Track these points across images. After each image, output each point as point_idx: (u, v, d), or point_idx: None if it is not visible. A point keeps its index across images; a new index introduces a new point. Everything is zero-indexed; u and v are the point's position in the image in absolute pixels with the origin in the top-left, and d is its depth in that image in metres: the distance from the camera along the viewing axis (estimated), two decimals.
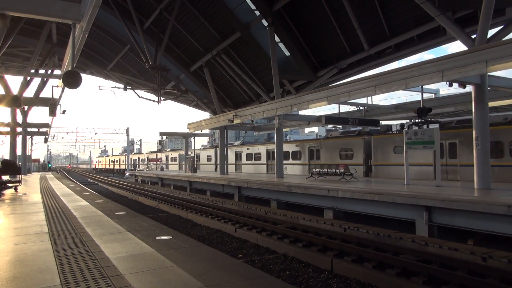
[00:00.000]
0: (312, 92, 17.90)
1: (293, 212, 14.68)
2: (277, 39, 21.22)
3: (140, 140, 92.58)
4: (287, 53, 22.49)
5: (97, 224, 7.86)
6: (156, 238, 6.30)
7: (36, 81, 32.07)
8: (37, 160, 70.33)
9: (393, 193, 11.51)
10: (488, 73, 12.28)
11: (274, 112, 20.24)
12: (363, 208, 12.72)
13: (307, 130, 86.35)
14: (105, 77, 35.41)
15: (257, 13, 20.64)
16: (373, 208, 12.32)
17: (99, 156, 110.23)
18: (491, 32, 12.65)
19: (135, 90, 27.51)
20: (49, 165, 77.01)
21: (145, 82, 32.30)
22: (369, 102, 22.24)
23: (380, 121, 21.52)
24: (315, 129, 78.09)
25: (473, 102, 12.72)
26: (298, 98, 18.46)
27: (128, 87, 27.83)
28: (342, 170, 17.99)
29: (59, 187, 19.81)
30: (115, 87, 27.67)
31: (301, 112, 24.41)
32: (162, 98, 27.29)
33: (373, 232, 10.50)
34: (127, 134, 70.90)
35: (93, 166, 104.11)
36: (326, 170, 19.10)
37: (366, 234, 10.61)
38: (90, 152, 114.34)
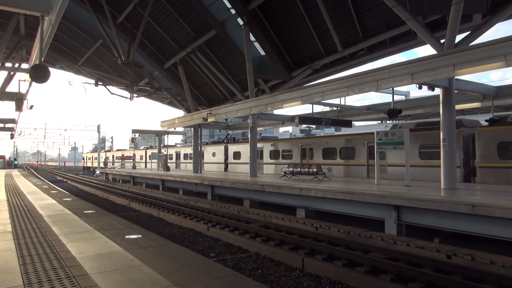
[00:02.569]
0: (286, 92, 18.01)
1: (266, 211, 14.72)
2: (252, 38, 21.22)
3: (112, 138, 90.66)
4: (262, 53, 22.53)
5: (64, 222, 7.63)
6: (126, 237, 6.18)
7: (2, 74, 30.93)
8: (3, 157, 67.77)
9: (363, 192, 11.72)
10: (455, 77, 12.70)
11: (248, 111, 20.25)
12: (335, 207, 12.89)
13: (281, 129, 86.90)
14: (76, 72, 34.46)
15: (233, 11, 20.58)
16: (344, 207, 12.51)
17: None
18: (459, 37, 13.08)
19: (107, 86, 26.94)
20: (15, 162, 74.33)
21: (118, 78, 31.65)
22: (342, 103, 22.61)
23: (353, 122, 21.86)
24: (289, 128, 78.65)
25: (441, 105, 13.13)
26: (273, 97, 18.54)
27: (99, 83, 27.23)
28: (315, 170, 18.18)
29: (25, 185, 19.13)
30: (86, 82, 27.06)
31: (276, 112, 24.55)
32: (135, 95, 26.82)
33: (344, 231, 10.67)
34: (98, 131, 69.28)
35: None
36: (299, 169, 19.26)
37: (337, 232, 10.76)
38: (59, 149, 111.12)
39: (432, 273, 6.94)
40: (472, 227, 9.14)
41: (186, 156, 38.35)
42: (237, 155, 30.20)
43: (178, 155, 40.19)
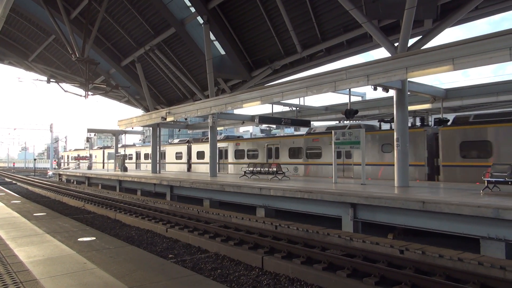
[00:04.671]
0: (246, 91, 18.03)
1: (226, 211, 14.69)
2: (212, 37, 21.08)
3: (66, 137, 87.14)
4: (223, 52, 22.44)
5: (12, 226, 7.23)
6: (78, 239, 5.96)
7: None
8: None
9: (321, 191, 11.96)
10: (408, 79, 13.24)
11: (208, 111, 20.10)
12: (294, 206, 13.06)
13: (241, 129, 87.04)
14: (27, 68, 32.79)
15: (193, 9, 20.35)
16: (303, 206, 12.70)
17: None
18: (412, 41, 13.65)
19: (60, 84, 25.78)
20: None
21: (72, 75, 30.43)
22: (302, 103, 22.92)
23: (311, 122, 22.22)
24: (249, 128, 78.91)
25: (394, 106, 13.65)
26: (233, 97, 18.51)
27: (52, 80, 26.00)
28: (275, 169, 18.34)
29: None
30: (38, 79, 25.72)
31: (236, 111, 24.53)
32: (90, 93, 25.83)
33: (302, 229, 10.84)
34: (51, 131, 66.36)
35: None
36: (259, 169, 19.36)
37: (296, 231, 10.92)
38: (8, 149, 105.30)
39: (385, 268, 7.19)
40: (423, 223, 9.56)
41: (147, 156, 37.52)
42: (200, 155, 29.97)
43: (138, 155, 39.24)
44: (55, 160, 62.93)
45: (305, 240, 9.67)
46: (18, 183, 38.16)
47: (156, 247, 10.03)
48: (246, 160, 25.67)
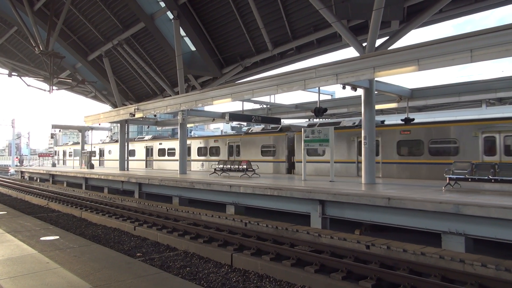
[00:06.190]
0: (217, 88, 17.96)
1: (196, 209, 14.58)
2: (182, 33, 20.81)
3: (29, 133, 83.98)
4: (193, 48, 22.20)
5: None
6: (41, 238, 5.76)
7: None
8: None
9: (291, 188, 12.08)
10: (376, 79, 13.56)
11: (178, 107, 19.89)
12: (264, 203, 13.13)
13: (212, 126, 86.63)
14: None
15: (162, 4, 20.00)
16: (273, 203, 12.78)
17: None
18: (379, 42, 13.98)
19: (23, 78, 24.78)
20: None
21: (35, 69, 29.26)
22: (272, 101, 23.08)
23: (282, 119, 22.40)
24: (220, 125, 78.63)
25: (362, 104, 13.95)
26: (203, 94, 18.37)
27: (14, 73, 24.96)
28: (245, 166, 18.36)
29: None
30: None
31: (207, 108, 24.40)
32: (54, 88, 24.96)
33: (272, 226, 10.92)
34: (13, 126, 63.73)
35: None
36: (229, 166, 19.32)
37: (266, 228, 10.99)
38: None
39: (352, 263, 7.35)
40: (388, 219, 9.84)
41: (111, 153, 36.72)
42: (162, 152, 30.06)
43: (110, 152, 38.32)
44: (17, 157, 60.46)
45: (275, 236, 9.74)
46: None
47: (123, 246, 9.84)
48: (209, 157, 26.41)
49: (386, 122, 19.12)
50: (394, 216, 9.68)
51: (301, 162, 16.53)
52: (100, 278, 3.90)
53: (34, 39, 22.00)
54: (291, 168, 21.36)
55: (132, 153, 31.11)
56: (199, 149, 27.08)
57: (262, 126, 23.93)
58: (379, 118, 21.80)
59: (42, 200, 19.26)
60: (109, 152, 36.84)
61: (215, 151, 25.84)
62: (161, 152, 30.35)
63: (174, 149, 28.30)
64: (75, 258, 4.65)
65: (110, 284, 3.74)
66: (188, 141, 27.34)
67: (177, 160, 23.80)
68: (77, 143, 48.24)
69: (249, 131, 24.99)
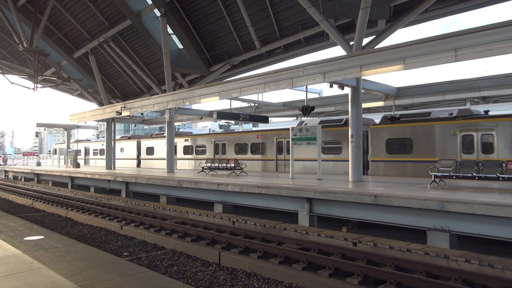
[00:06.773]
0: (205, 86, 17.89)
1: (183, 207, 14.53)
2: (170, 30, 20.67)
3: (13, 132, 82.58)
4: (180, 46, 22.05)
5: None
6: (25, 238, 5.68)
7: None
8: None
9: (279, 186, 12.11)
10: (362, 77, 13.66)
11: (165, 106, 19.77)
12: (251, 201, 13.14)
13: (200, 125, 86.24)
14: None
15: (149, 1, 19.83)
16: (261, 201, 12.80)
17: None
18: (366, 41, 14.09)
19: (6, 75, 24.40)
20: None
21: (19, 66, 28.77)
22: (260, 99, 23.09)
23: (269, 118, 22.42)
24: (208, 124, 78.34)
25: (349, 103, 14.05)
26: (190, 92, 18.29)
27: None
28: (233, 165, 18.34)
29: None
30: None
31: (195, 107, 24.27)
32: (39, 86, 24.62)
33: (260, 224, 10.94)
34: None
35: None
36: (217, 164, 19.28)
37: (254, 226, 11.00)
38: None
39: (339, 260, 7.41)
40: (375, 216, 9.94)
41: (96, 152, 36.33)
42: (150, 150, 29.71)
43: (87, 150, 37.81)
44: (0, 156, 59.40)
45: (262, 235, 9.75)
46: None
47: (110, 245, 9.75)
48: (194, 155, 26.36)
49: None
50: (380, 214, 9.78)
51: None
52: (85, 277, 3.86)
53: (18, 36, 21.64)
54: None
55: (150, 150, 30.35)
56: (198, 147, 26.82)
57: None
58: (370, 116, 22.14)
59: (26, 200, 18.96)
60: (93, 152, 36.38)
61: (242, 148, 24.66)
62: (149, 150, 30.05)
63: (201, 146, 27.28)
64: (60, 258, 4.60)
65: (95, 283, 3.70)
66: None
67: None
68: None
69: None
